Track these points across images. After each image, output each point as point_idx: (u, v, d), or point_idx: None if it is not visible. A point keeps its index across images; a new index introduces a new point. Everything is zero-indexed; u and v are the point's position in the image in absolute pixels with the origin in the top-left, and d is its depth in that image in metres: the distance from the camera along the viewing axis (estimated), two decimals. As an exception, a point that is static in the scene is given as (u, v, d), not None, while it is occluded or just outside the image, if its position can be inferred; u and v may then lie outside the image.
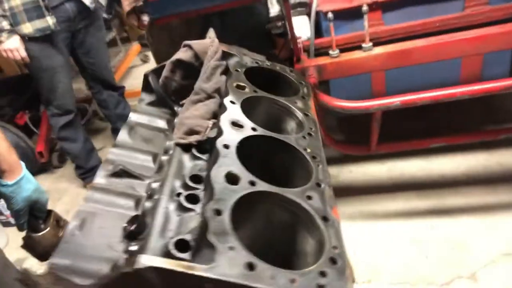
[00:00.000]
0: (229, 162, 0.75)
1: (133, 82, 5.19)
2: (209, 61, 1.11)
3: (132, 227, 0.84)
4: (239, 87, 1.00)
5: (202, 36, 2.28)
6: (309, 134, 0.93)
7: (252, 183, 0.73)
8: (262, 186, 0.73)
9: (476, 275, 2.08)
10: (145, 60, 5.19)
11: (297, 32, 2.32)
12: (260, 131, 0.87)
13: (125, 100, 3.32)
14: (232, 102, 0.93)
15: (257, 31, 2.63)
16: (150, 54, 5.35)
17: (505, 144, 2.66)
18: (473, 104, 3.11)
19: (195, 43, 1.14)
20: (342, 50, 2.26)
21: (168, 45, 2.23)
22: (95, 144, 3.38)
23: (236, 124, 0.86)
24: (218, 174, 0.72)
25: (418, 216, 2.44)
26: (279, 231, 0.76)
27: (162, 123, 1.20)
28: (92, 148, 3.08)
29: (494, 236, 2.22)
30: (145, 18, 2.40)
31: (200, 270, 0.54)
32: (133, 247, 0.80)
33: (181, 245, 0.75)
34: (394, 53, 2.10)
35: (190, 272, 0.53)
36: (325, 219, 0.72)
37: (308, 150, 0.87)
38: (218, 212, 0.64)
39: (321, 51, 2.43)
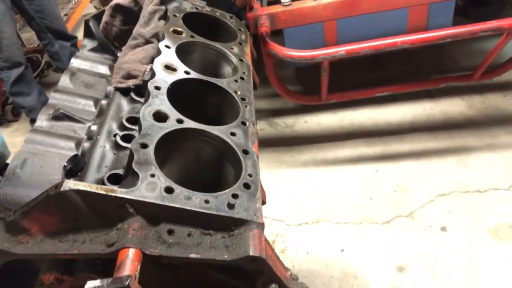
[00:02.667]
0: (158, 102, 0.81)
1: (89, 32, 4.98)
2: (147, 6, 1.13)
3: (71, 165, 0.89)
4: (175, 32, 1.04)
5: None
6: (241, 78, 0.99)
7: (180, 121, 0.79)
8: (189, 123, 0.79)
9: (414, 214, 2.28)
10: (98, 8, 4.93)
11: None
12: (193, 74, 0.92)
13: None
14: (167, 47, 0.97)
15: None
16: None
17: (449, 93, 2.82)
18: (424, 55, 3.24)
19: (133, -12, 1.15)
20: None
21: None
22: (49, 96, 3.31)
23: (169, 68, 0.91)
24: (146, 112, 0.77)
25: (364, 161, 2.60)
26: (206, 164, 0.84)
27: (104, 69, 1.22)
28: (47, 100, 3.03)
29: (431, 179, 2.41)
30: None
31: (120, 192, 0.61)
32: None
33: (114, 178, 0.82)
34: (343, 2, 2.14)
35: (110, 194, 0.60)
36: (245, 152, 0.80)
37: (238, 93, 0.94)
38: (143, 145, 0.71)
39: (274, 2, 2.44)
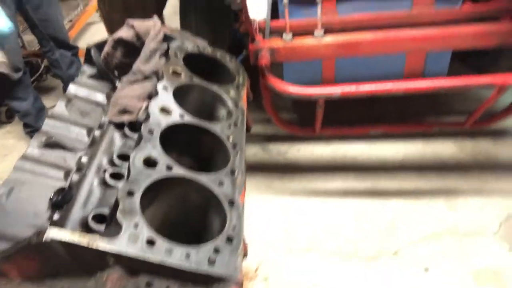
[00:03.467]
0: (150, 146, 0.82)
1: (91, 39, 5.02)
2: (150, 42, 1.15)
3: (58, 198, 0.90)
4: (175, 72, 1.06)
5: (158, 4, 2.26)
6: (235, 124, 1.01)
7: (169, 167, 0.80)
8: (178, 170, 0.81)
9: (399, 252, 2.30)
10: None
11: (255, 11, 2.36)
12: (187, 119, 0.94)
13: (79, 60, 3.24)
14: (165, 88, 0.99)
15: (219, 4, 2.65)
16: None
17: (442, 135, 2.87)
18: (420, 96, 3.29)
19: (137, 23, 1.17)
20: (296, 34, 2.33)
21: (121, 13, 2.20)
22: (46, 102, 3.32)
23: (164, 110, 0.93)
24: (137, 158, 0.79)
25: (353, 196, 2.62)
26: (191, 209, 0.85)
27: (101, 97, 1.24)
28: (42, 107, 3.03)
29: (419, 219, 2.43)
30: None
31: (101, 244, 0.62)
32: (56, 216, 0.87)
33: (99, 218, 0.82)
34: (343, 43, 2.19)
35: (92, 246, 0.61)
36: (231, 203, 0.81)
37: (231, 139, 0.95)
38: (130, 193, 0.72)
39: (277, 33, 2.49)
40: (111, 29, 2.35)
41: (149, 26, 1.18)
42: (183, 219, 0.87)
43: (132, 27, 1.17)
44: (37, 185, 0.93)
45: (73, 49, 3.11)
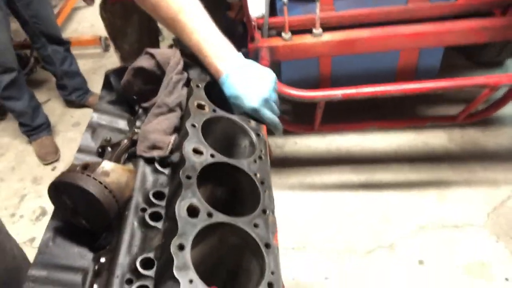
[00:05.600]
0: (190, 194, 0.88)
1: (77, 26, 4.89)
2: (171, 72, 1.18)
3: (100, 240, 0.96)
4: (199, 106, 1.10)
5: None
6: (260, 158, 1.06)
7: (210, 215, 0.86)
8: (218, 217, 0.87)
9: (394, 245, 2.43)
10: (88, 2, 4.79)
11: (252, 8, 2.37)
12: (218, 157, 0.99)
13: (72, 55, 3.20)
14: (193, 126, 1.03)
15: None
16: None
17: (431, 125, 2.97)
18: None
19: (157, 53, 1.19)
20: (293, 31, 2.37)
21: (122, 19, 2.18)
22: (39, 96, 3.28)
23: (197, 151, 0.97)
24: (181, 208, 0.84)
25: (350, 188, 2.73)
26: (230, 252, 0.91)
27: (123, 124, 1.26)
28: (38, 105, 3.00)
29: (412, 211, 2.57)
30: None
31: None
32: (102, 258, 0.93)
33: (146, 262, 0.88)
34: (341, 41, 2.24)
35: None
36: (267, 246, 0.88)
37: (258, 175, 1.01)
38: (181, 247, 0.78)
39: (272, 30, 2.51)
40: (113, 35, 2.33)
41: (169, 55, 1.20)
42: (219, 263, 0.94)
43: (153, 56, 1.19)
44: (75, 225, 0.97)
45: (65, 44, 3.06)
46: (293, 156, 2.95)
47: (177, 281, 0.72)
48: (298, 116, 2.91)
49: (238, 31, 3.31)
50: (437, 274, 2.18)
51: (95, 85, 3.63)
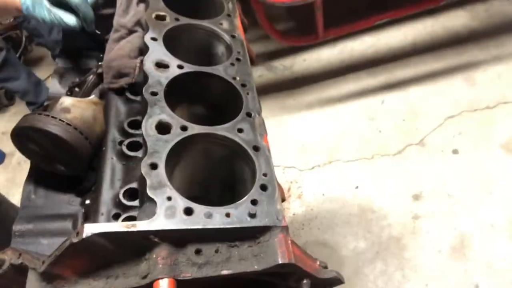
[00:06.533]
0: (158, 110, 0.77)
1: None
2: (123, -10, 1.04)
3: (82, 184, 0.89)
4: (158, 17, 0.96)
5: None
6: (237, 60, 0.93)
7: (184, 128, 0.76)
8: (194, 128, 0.76)
9: (424, 140, 2.28)
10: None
11: None
12: (187, 67, 0.87)
13: None
14: (154, 39, 0.90)
15: None
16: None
17: (450, 6, 2.67)
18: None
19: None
20: None
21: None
22: (40, 74, 3.22)
23: (160, 65, 0.86)
24: (148, 126, 0.74)
25: (369, 93, 2.55)
26: (218, 165, 0.82)
27: (92, 63, 1.16)
28: (38, 81, 2.94)
29: (439, 102, 2.38)
30: None
31: (141, 226, 0.61)
32: (88, 200, 0.86)
33: (130, 193, 0.81)
34: None
35: (132, 230, 0.60)
36: (256, 148, 0.77)
37: (237, 78, 0.89)
38: (153, 166, 0.69)
39: None
40: None
41: (118, -29, 1.05)
42: (210, 176, 0.85)
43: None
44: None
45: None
46: (304, 74, 2.77)
47: (153, 201, 0.64)
48: (301, 32, 2.67)
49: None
50: (474, 159, 2.04)
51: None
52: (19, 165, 3.07)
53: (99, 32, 1.15)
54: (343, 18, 2.32)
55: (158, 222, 0.62)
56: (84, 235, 0.58)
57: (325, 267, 0.75)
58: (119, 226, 0.60)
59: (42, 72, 3.58)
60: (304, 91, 2.68)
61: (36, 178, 0.91)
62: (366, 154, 2.29)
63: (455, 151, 2.14)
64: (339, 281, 0.75)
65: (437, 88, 2.47)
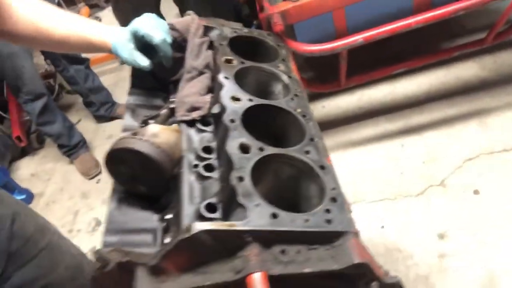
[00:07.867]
0: (237, 134, 0.90)
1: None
2: (192, 38, 1.21)
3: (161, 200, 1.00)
4: (227, 61, 1.12)
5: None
6: (296, 95, 1.07)
7: (261, 149, 0.88)
8: (269, 150, 0.89)
9: (445, 181, 2.38)
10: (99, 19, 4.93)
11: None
12: (256, 100, 1.01)
13: (92, 72, 3.31)
14: (226, 78, 1.05)
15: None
16: (101, 15, 5.13)
17: (461, 58, 2.89)
18: (430, 27, 3.29)
19: (177, 22, 1.22)
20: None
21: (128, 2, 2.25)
22: (70, 119, 3.40)
23: (235, 98, 0.99)
24: (232, 146, 0.87)
25: (389, 138, 2.69)
26: (287, 183, 0.93)
27: (158, 101, 1.31)
28: (71, 125, 3.12)
29: (456, 145, 2.51)
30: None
31: (239, 225, 0.71)
32: (168, 216, 0.97)
33: (210, 207, 0.91)
34: (351, -11, 2.19)
35: (232, 228, 0.70)
36: (322, 167, 0.89)
37: (298, 110, 1.02)
38: (241, 179, 0.80)
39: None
40: (120, 18, 2.40)
41: (188, 22, 1.23)
42: (280, 192, 0.96)
43: (173, 27, 1.22)
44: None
45: (85, 61, 3.17)
46: (324, 120, 2.93)
47: (243, 207, 0.75)
48: (323, 80, 2.87)
49: (244, 12, 3.32)
50: (496, 199, 2.12)
51: (119, 96, 3.73)
52: (47, 206, 3.17)
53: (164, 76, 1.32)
54: (363, 67, 2.51)
55: (252, 223, 0.73)
56: (193, 231, 0.68)
57: (387, 274, 0.83)
58: (221, 225, 0.71)
59: (73, 117, 3.77)
60: (325, 136, 2.80)
61: (118, 197, 1.02)
62: (389, 195, 2.39)
63: (476, 192, 2.23)
64: (401, 287, 0.83)
65: (452, 132, 2.61)
